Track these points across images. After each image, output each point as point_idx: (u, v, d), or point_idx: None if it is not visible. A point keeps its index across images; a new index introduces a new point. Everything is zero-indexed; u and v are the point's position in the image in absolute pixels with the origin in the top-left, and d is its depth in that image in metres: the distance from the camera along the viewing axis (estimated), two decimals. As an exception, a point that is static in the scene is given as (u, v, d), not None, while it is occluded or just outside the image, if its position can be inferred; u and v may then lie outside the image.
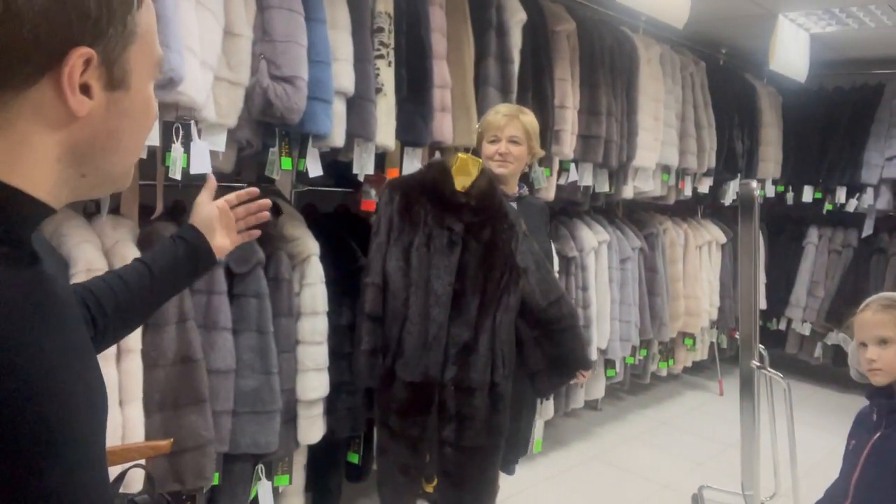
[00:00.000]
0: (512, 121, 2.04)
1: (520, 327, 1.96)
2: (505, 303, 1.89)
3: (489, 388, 1.89)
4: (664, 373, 4.23)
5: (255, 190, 1.18)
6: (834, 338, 4.62)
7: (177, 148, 1.73)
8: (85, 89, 0.55)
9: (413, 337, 1.88)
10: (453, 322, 1.86)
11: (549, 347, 1.98)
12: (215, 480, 1.98)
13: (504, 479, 2.31)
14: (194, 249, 1.08)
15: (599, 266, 3.41)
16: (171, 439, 1.64)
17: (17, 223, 0.54)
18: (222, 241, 1.12)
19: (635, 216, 3.97)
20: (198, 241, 1.09)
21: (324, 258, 2.21)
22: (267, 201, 1.20)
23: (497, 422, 1.93)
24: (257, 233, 1.21)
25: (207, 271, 1.15)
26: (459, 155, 1.94)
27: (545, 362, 1.99)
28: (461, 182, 1.91)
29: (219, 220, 1.12)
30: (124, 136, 0.60)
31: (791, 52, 3.88)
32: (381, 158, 2.40)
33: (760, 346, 2.66)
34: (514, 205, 2.08)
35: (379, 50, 2.22)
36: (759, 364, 2.56)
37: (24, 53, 0.51)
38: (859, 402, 1.72)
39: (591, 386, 3.59)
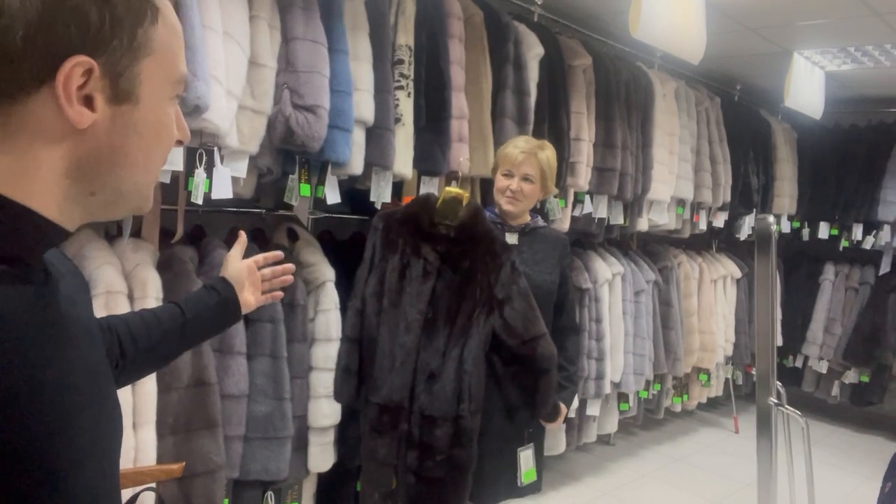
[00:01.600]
0: (529, 158, 2.01)
1: (495, 363, 1.91)
2: (475, 333, 1.86)
3: (453, 420, 1.85)
4: (678, 408, 4.17)
5: (279, 254, 1.20)
6: (851, 376, 4.55)
7: (199, 173, 1.76)
8: (88, 101, 0.54)
9: (381, 360, 1.88)
10: (424, 349, 1.85)
11: (526, 383, 1.91)
12: (225, 506, 1.96)
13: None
14: (225, 301, 1.10)
15: (613, 298, 3.39)
16: (182, 463, 1.64)
17: (20, 241, 0.53)
18: (248, 298, 1.14)
19: (650, 249, 3.96)
20: (229, 294, 1.10)
21: (339, 285, 2.23)
22: (291, 266, 1.22)
23: (459, 456, 1.87)
24: (280, 295, 1.23)
25: (231, 325, 1.16)
26: (446, 189, 1.94)
27: (523, 398, 1.93)
28: (446, 216, 1.90)
29: (248, 277, 1.13)
30: (131, 151, 0.58)
31: (806, 90, 3.90)
32: (399, 187, 2.42)
33: (777, 382, 2.62)
34: (515, 236, 2.07)
35: (399, 81, 2.26)
36: (776, 401, 2.52)
37: (18, 60, 0.50)
38: (878, 443, 1.69)
39: (603, 420, 3.54)
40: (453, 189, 1.89)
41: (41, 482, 0.48)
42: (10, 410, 0.46)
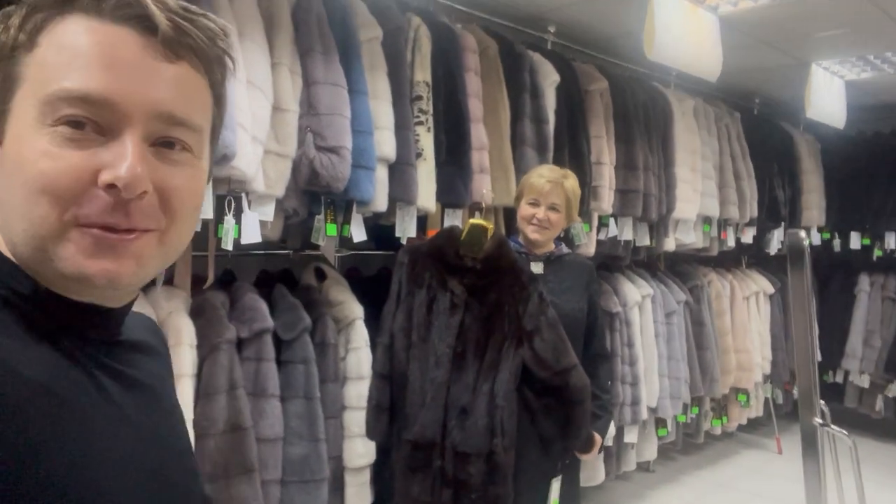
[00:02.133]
0: (556, 188, 2.01)
1: (527, 397, 1.88)
2: (505, 367, 1.83)
3: (486, 457, 1.82)
4: (718, 431, 4.07)
5: None
6: (895, 390, 4.40)
7: (229, 220, 1.79)
8: None
9: (412, 396, 1.86)
10: (454, 384, 1.83)
11: (559, 416, 1.89)
12: (264, 552, 1.94)
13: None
14: None
15: (644, 321, 3.34)
16: (223, 512, 1.63)
17: (60, 318, 0.52)
18: None
19: (678, 269, 3.91)
20: None
21: (368, 321, 2.22)
22: None
23: (494, 493, 1.83)
24: None
25: None
26: (470, 221, 1.94)
27: (557, 430, 1.90)
28: (471, 247, 1.90)
29: None
30: (2, 197, 0.51)
31: (827, 100, 3.86)
32: (423, 220, 2.43)
33: (821, 401, 2.54)
34: (540, 265, 2.05)
35: (418, 117, 2.28)
36: (821, 422, 2.44)
37: None
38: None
39: (642, 447, 3.46)
40: (477, 220, 1.89)
41: None
42: None
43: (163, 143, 0.52)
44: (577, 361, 1.88)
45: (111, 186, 0.49)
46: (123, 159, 0.49)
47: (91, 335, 0.55)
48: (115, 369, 0.56)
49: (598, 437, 2.06)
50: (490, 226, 1.91)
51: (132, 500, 0.52)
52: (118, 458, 0.51)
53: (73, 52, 0.49)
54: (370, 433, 1.98)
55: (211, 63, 0.55)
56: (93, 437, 0.50)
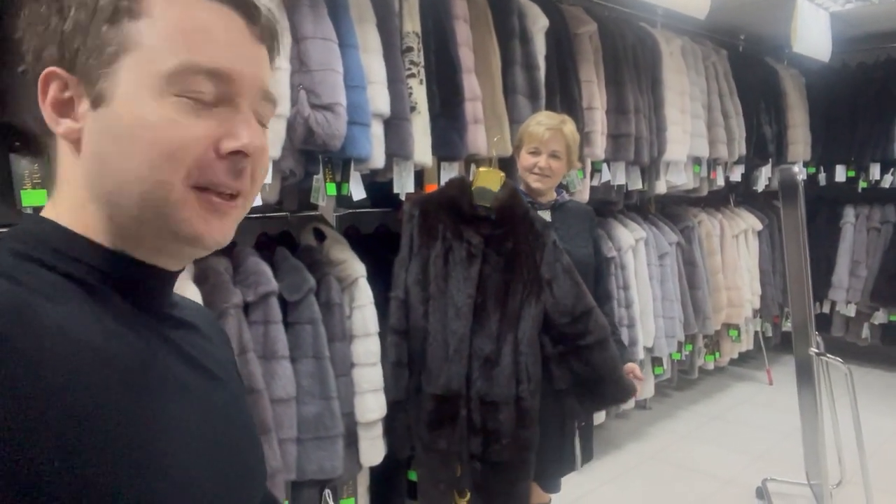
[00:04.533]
0: (556, 134, 1.98)
1: (544, 343, 1.90)
2: (527, 315, 1.86)
3: (514, 403, 1.86)
4: (711, 366, 4.18)
5: None
6: (881, 317, 4.53)
7: (228, 183, 1.76)
8: (68, 110, 0.52)
9: (434, 349, 1.88)
10: (476, 335, 1.85)
11: (577, 366, 1.90)
12: (285, 508, 1.99)
13: (564, 484, 2.28)
14: None
15: (638, 264, 3.38)
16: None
17: (85, 265, 0.52)
18: None
19: (668, 211, 3.94)
20: None
21: (370, 279, 2.23)
22: None
23: (524, 437, 1.88)
24: None
25: None
26: (479, 169, 1.93)
27: (572, 381, 1.91)
28: (482, 196, 1.89)
29: None
30: (112, 159, 0.52)
31: (813, 33, 3.83)
32: (419, 176, 2.41)
33: (815, 332, 2.61)
34: (547, 213, 2.06)
35: (410, 69, 2.24)
36: (818, 351, 2.51)
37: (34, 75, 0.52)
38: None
39: (640, 386, 3.55)
40: (488, 169, 1.89)
41: None
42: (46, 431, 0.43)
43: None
44: (595, 304, 1.91)
45: (234, 153, 0.53)
46: (246, 128, 0.54)
47: (148, 303, 0.56)
48: (172, 341, 0.57)
49: (632, 365, 2.08)
50: (501, 174, 1.91)
51: (195, 468, 0.52)
52: (179, 425, 0.52)
53: (196, 27, 0.52)
54: (390, 391, 2.00)
55: (274, 52, 0.61)
56: (152, 401, 0.50)
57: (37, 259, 0.50)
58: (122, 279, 0.54)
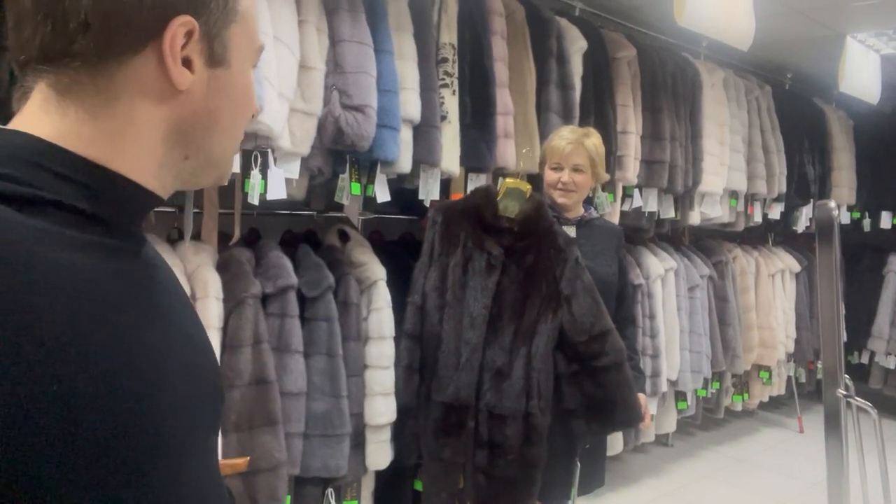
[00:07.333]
0: (577, 148, 1.97)
1: (557, 360, 1.87)
2: (542, 330, 1.83)
3: (523, 418, 1.83)
4: (739, 407, 4.05)
5: None
6: (923, 372, 4.34)
7: (255, 175, 1.81)
8: (186, 63, 0.53)
9: (446, 357, 1.87)
10: (489, 346, 1.83)
11: (589, 387, 1.87)
12: (287, 503, 1.99)
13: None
14: None
15: (667, 294, 3.32)
16: (247, 458, 1.68)
17: (119, 213, 0.52)
18: None
19: (703, 244, 3.87)
20: None
21: (390, 284, 2.24)
22: None
23: (531, 454, 1.85)
24: None
25: None
26: (507, 180, 1.93)
27: (582, 402, 1.87)
28: (508, 207, 1.88)
29: None
30: (223, 115, 0.58)
31: (861, 74, 3.76)
32: (446, 185, 2.43)
33: (845, 376, 2.51)
34: (573, 228, 2.04)
35: (444, 79, 2.28)
36: (845, 393, 2.41)
37: (128, 18, 0.49)
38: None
39: (661, 420, 3.46)
40: (515, 181, 1.88)
41: (146, 468, 0.46)
42: (121, 391, 0.45)
43: None
44: (613, 326, 1.88)
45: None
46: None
47: (136, 228, 0.57)
48: (151, 265, 0.58)
49: (643, 396, 2.04)
50: (528, 187, 1.90)
51: (174, 393, 0.53)
52: (162, 352, 0.53)
53: (255, 10, 0.62)
54: (399, 394, 2.00)
55: None
56: (139, 332, 0.50)
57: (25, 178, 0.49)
58: (114, 200, 0.53)
